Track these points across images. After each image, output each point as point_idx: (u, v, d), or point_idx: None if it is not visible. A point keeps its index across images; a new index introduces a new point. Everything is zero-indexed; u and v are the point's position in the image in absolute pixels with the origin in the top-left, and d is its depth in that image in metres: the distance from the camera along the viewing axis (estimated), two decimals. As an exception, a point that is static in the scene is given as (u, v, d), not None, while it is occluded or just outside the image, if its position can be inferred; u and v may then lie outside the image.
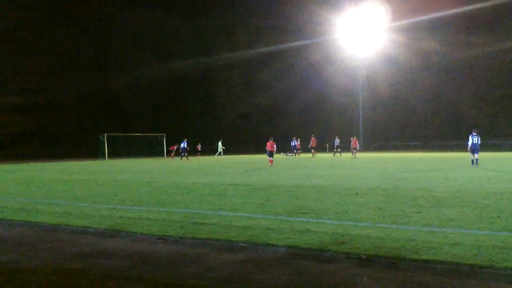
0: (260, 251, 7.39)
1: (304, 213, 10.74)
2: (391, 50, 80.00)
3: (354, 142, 56.36)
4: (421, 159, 40.15)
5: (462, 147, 67.43)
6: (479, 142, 29.74)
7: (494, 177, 19.54)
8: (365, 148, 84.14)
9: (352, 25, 79.66)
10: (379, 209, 11.07)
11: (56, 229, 9.70)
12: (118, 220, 10.43)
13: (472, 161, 29.32)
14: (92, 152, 66.21)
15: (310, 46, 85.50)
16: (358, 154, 56.78)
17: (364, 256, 6.83)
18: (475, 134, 29.84)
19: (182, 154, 54.08)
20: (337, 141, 63.38)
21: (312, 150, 60.18)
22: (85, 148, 72.48)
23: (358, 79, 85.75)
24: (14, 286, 5.81)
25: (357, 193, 14.31)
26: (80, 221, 10.47)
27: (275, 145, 41.02)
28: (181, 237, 8.48)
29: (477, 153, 29.34)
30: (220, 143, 66.03)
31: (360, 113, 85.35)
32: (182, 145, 54.61)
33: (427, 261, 6.50)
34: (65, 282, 6.01)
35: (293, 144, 64.77)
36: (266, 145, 42.39)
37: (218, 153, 65.67)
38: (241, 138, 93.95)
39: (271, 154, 39.45)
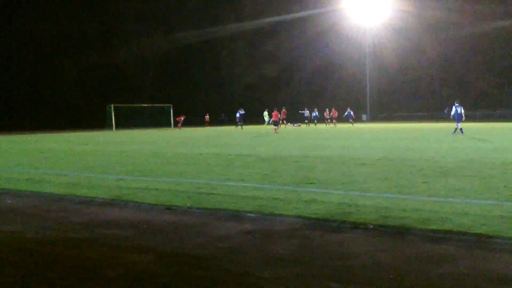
0: (268, 221, 7.41)
1: (311, 183, 10.76)
2: (398, 20, 79.28)
3: (334, 112, 60.79)
4: (428, 130, 40.06)
5: (470, 118, 67.30)
6: (462, 112, 30.80)
7: (500, 148, 19.49)
8: (372, 118, 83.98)
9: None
10: (385, 179, 11.08)
11: (63, 199, 9.76)
12: (126, 190, 10.48)
13: (455, 129, 30.73)
14: (99, 122, 66.34)
15: (316, 16, 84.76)
16: (366, 125, 57.08)
17: (371, 226, 6.85)
18: (457, 104, 31.00)
19: (239, 123, 53.58)
20: (349, 112, 63.31)
21: (334, 121, 60.61)
22: (92, 119, 72.63)
23: (365, 50, 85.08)
24: (21, 256, 5.86)
25: (363, 164, 14.31)
26: (88, 191, 10.52)
27: (279, 115, 44.77)
28: (188, 207, 8.52)
29: (459, 123, 30.59)
30: (266, 112, 65.46)
31: (367, 84, 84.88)
32: (238, 114, 54.01)
33: (434, 231, 6.51)
34: (72, 251, 6.06)
35: (314, 115, 65.21)
36: (277, 114, 45.94)
37: (266, 122, 64.92)
38: (248, 109, 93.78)
39: (275, 123, 45.65)
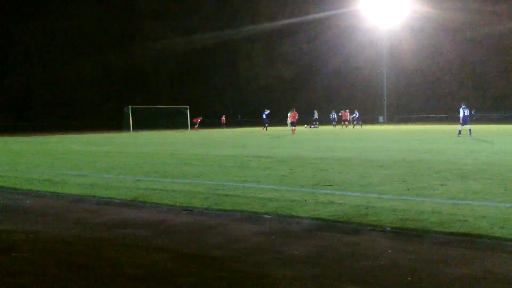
0: (284, 223, 7.42)
1: (328, 185, 10.74)
2: (416, 20, 78.89)
3: (345, 114, 61.06)
4: (446, 131, 39.81)
5: (488, 119, 66.70)
6: (468, 114, 31.74)
7: (520, 150, 19.32)
8: (389, 120, 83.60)
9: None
10: (403, 181, 11.03)
11: (82, 200, 9.84)
12: (143, 191, 10.54)
13: (460, 132, 31.21)
14: (117, 124, 66.76)
15: (333, 17, 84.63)
16: (383, 126, 57.05)
17: (388, 229, 6.83)
18: (464, 106, 31.55)
19: (266, 125, 54.30)
20: (356, 114, 64.27)
21: (346, 123, 60.67)
22: (110, 120, 73.07)
23: (382, 51, 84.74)
24: (41, 256, 5.92)
25: (381, 165, 14.26)
26: (106, 192, 10.60)
27: (296, 116, 45.81)
28: (205, 209, 8.55)
29: (468, 124, 31.35)
30: (316, 112, 65.40)
31: (384, 85, 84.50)
32: (264, 115, 54.61)
33: (452, 234, 6.48)
34: (91, 251, 6.12)
35: (333, 116, 65.40)
36: (288, 116, 46.66)
37: (315, 121, 64.86)
38: (264, 111, 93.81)
39: (293, 124, 46.48)
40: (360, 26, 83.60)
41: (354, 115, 64.62)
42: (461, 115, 31.32)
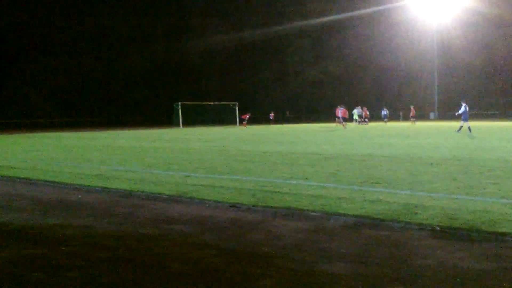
0: (331, 220, 7.38)
1: (376, 182, 10.62)
2: (466, 15, 77.22)
3: (412, 111, 59.89)
4: (499, 129, 38.91)
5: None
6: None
7: None
8: (441, 116, 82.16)
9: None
10: (453, 179, 10.82)
11: (131, 195, 10.00)
12: (191, 187, 10.63)
13: (469, 128, 32.32)
14: (167, 120, 67.61)
15: (381, 12, 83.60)
16: (434, 123, 56.42)
17: (438, 228, 6.71)
18: (465, 104, 32.77)
19: (343, 120, 54.60)
20: (384, 111, 64.37)
21: (413, 119, 59.96)
22: (160, 116, 74.03)
23: (433, 46, 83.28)
24: (90, 250, 6.04)
25: (431, 163, 14.03)
26: (155, 187, 10.74)
27: (347, 112, 47.18)
28: (253, 205, 8.57)
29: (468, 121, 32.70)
30: (355, 110, 65.34)
31: (435, 81, 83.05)
32: (339, 111, 54.86)
33: (503, 234, 6.32)
34: (139, 246, 6.21)
35: (384, 113, 64.97)
36: (336, 112, 48.07)
37: (355, 120, 64.69)
38: (312, 106, 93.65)
39: (344, 120, 49.25)
40: (409, 21, 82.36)
41: (382, 112, 64.64)
42: (463, 111, 32.56)
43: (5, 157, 20.09)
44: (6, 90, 75.80)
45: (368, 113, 64.92)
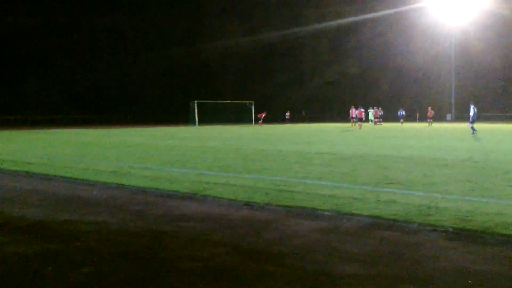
0: (344, 220, 7.38)
1: (391, 183, 10.59)
2: (484, 18, 76.54)
3: (430, 112, 59.74)
4: (517, 131, 38.58)
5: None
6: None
7: None
8: (458, 118, 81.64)
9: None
10: (468, 181, 10.75)
11: (145, 192, 10.06)
12: (205, 185, 10.67)
13: (473, 128, 32.42)
14: (183, 118, 67.84)
15: (399, 14, 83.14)
16: (451, 125, 56.35)
17: (451, 229, 6.69)
18: (473, 106, 33.35)
19: (377, 121, 55.36)
20: (401, 112, 64.69)
21: (429, 120, 59.72)
22: (176, 114, 74.33)
23: (450, 48, 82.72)
24: (103, 247, 6.09)
25: (446, 165, 13.95)
26: (169, 185, 10.79)
27: (363, 113, 48.53)
28: (266, 204, 8.59)
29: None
30: (371, 110, 65.15)
31: (453, 83, 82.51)
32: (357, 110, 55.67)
33: (517, 237, 6.29)
34: (151, 243, 6.25)
35: (400, 113, 65.04)
36: (351, 112, 49.72)
37: (371, 121, 64.52)
38: (328, 107, 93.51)
39: (360, 120, 50.72)
40: (426, 23, 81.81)
41: (399, 112, 64.78)
42: (473, 113, 33.09)
43: (22, 152, 20.28)
44: (25, 87, 76.58)
45: (379, 113, 64.58)
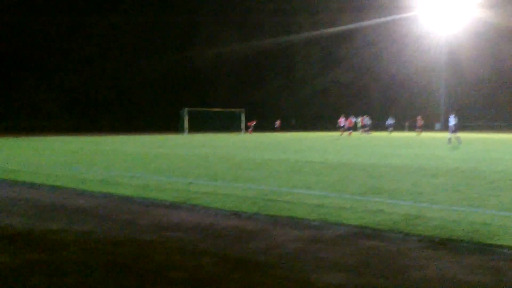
0: (331, 230, 7.39)
1: (378, 193, 10.63)
2: (475, 27, 77.06)
3: (420, 121, 60.07)
4: (505, 140, 38.80)
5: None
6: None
7: None
8: (447, 127, 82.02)
9: (434, 2, 77.31)
10: (456, 191, 10.81)
11: (133, 201, 10.03)
12: (194, 194, 10.66)
13: (458, 139, 32.76)
14: (173, 126, 67.78)
15: (391, 22, 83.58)
16: (439, 134, 56.70)
17: (437, 239, 6.72)
18: (454, 115, 33.79)
19: (364, 130, 55.86)
20: (389, 121, 65.37)
21: (418, 130, 60.04)
22: (166, 122, 74.25)
23: (441, 57, 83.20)
24: (89, 256, 6.08)
25: (434, 174, 14.02)
26: (157, 194, 10.77)
27: (352, 121, 49.84)
28: (254, 214, 8.60)
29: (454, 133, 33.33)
30: (358, 119, 65.26)
31: (443, 92, 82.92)
32: (362, 119, 56.22)
33: (502, 247, 6.32)
34: (138, 253, 6.24)
35: (389, 123, 65.46)
36: (339, 121, 50.84)
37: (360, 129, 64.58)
38: (319, 115, 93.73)
39: (349, 129, 52.41)
40: (418, 32, 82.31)
41: (388, 121, 65.47)
42: (454, 123, 33.46)
43: (10, 160, 20.19)
44: (15, 93, 76.29)
45: (365, 122, 64.82)
